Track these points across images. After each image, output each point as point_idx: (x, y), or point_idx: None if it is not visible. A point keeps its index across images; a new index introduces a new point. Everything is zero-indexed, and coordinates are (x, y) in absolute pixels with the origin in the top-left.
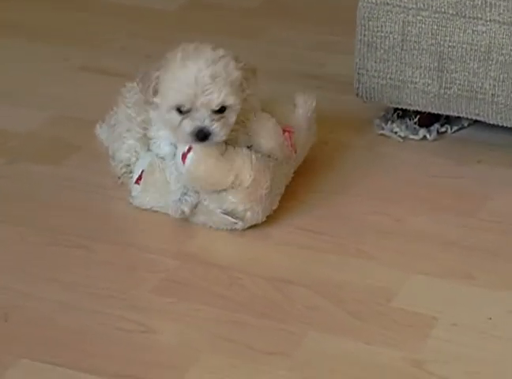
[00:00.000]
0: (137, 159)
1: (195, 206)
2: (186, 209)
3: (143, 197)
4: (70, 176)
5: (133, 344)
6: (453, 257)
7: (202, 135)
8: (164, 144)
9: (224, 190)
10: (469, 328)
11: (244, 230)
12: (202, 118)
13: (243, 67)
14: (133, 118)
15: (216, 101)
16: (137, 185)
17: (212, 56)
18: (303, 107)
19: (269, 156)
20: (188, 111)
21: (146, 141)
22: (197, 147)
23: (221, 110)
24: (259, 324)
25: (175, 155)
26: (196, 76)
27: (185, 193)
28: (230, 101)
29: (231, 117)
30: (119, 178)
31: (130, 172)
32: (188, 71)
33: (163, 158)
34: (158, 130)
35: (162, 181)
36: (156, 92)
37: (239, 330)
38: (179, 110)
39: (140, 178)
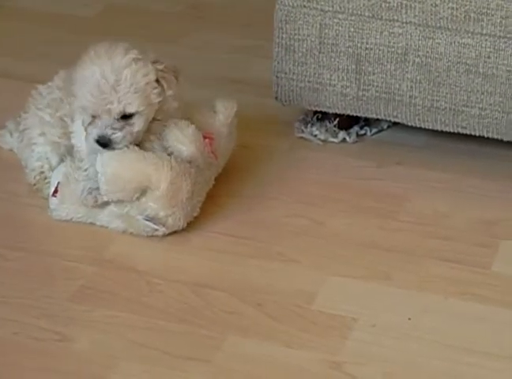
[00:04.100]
0: (50, 165)
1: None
2: (90, 204)
3: (61, 209)
4: None
5: (48, 353)
6: (372, 259)
7: (103, 142)
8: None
9: (144, 196)
10: (388, 328)
11: (163, 236)
12: (103, 126)
13: (163, 69)
14: (46, 121)
15: (115, 110)
16: (54, 198)
17: (121, 60)
18: (224, 113)
19: (189, 163)
20: (94, 116)
21: (59, 145)
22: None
23: (127, 116)
24: (178, 330)
25: (95, 151)
26: (98, 83)
27: (89, 193)
28: (131, 110)
29: (139, 124)
30: (34, 185)
31: (45, 178)
32: (92, 76)
33: (80, 152)
34: (81, 124)
35: None
36: (71, 85)
37: (157, 336)
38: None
39: (56, 190)
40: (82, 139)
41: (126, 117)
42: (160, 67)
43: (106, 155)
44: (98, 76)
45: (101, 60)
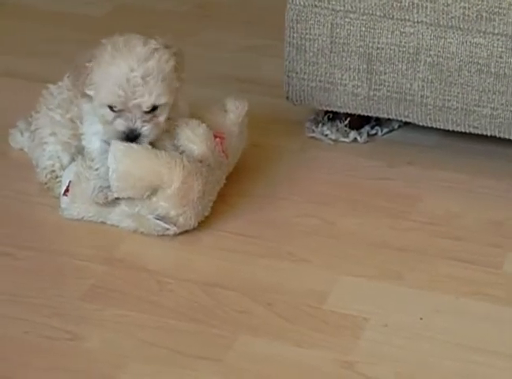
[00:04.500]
0: (61, 164)
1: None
2: (100, 202)
3: (73, 208)
4: None
5: (58, 352)
6: (383, 258)
7: (133, 136)
8: (96, 138)
9: (155, 195)
10: (400, 328)
11: (174, 235)
12: (134, 119)
13: (176, 53)
14: (56, 121)
15: (147, 103)
16: (65, 197)
17: (143, 51)
18: (235, 113)
19: (200, 162)
20: (121, 110)
21: (70, 145)
22: (120, 143)
23: (153, 108)
24: (188, 329)
25: (106, 151)
26: (127, 76)
27: (100, 191)
28: (162, 101)
29: (163, 115)
30: (46, 183)
31: (56, 177)
32: (119, 70)
33: (91, 153)
34: (91, 125)
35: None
36: (88, 84)
37: (167, 335)
38: (112, 108)
39: (67, 189)
40: (93, 140)
41: (153, 108)
42: (173, 51)
43: (118, 152)
44: (126, 70)
45: (122, 53)
